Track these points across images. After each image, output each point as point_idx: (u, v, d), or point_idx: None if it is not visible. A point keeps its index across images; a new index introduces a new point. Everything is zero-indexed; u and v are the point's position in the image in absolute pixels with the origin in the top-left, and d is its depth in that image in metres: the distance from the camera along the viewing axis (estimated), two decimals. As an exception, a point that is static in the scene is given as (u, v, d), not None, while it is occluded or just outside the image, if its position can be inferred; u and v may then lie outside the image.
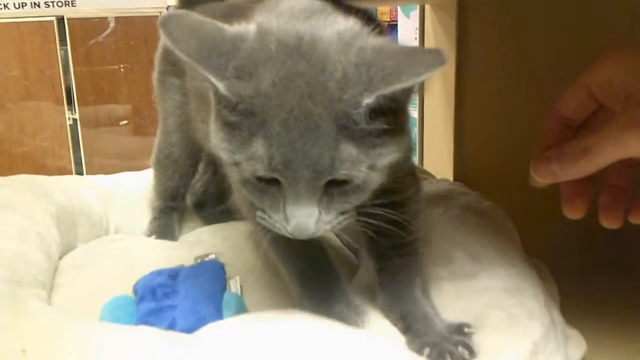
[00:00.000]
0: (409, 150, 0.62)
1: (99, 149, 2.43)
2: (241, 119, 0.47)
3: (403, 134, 0.51)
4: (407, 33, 2.13)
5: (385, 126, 0.48)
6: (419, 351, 0.54)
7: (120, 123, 2.37)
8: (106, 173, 0.99)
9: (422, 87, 1.57)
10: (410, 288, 0.62)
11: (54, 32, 2.44)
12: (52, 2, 2.54)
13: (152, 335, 0.51)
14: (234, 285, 0.70)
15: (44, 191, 0.81)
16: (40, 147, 2.42)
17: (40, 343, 0.49)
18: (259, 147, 0.47)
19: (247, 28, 0.50)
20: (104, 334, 0.51)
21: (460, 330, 0.57)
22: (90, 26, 2.44)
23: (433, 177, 0.96)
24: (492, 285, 0.64)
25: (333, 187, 0.49)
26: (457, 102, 1.03)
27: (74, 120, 2.47)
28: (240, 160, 0.48)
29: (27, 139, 2.41)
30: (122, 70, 2.42)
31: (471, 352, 0.54)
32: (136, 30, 2.48)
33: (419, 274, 0.63)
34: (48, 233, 0.75)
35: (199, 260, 0.75)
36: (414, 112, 1.98)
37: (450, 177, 1.03)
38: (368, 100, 0.46)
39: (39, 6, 2.53)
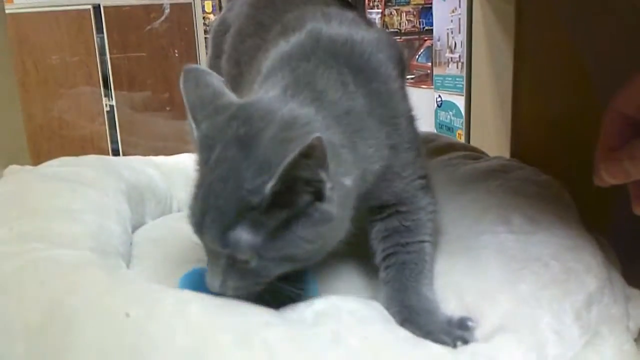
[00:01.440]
0: (414, 171, 0.65)
1: (136, 133, 2.48)
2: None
3: (324, 225, 0.52)
4: (442, 16, 2.13)
5: (287, 216, 0.50)
6: None
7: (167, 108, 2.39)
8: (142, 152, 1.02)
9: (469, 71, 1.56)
10: (414, 282, 0.62)
11: (91, 20, 2.48)
12: (88, -9, 2.57)
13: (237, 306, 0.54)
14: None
15: (114, 169, 0.84)
16: (79, 132, 2.47)
17: (141, 307, 0.51)
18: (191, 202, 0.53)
19: (235, 102, 0.56)
20: (198, 303, 0.53)
21: (462, 325, 0.57)
22: (125, 14, 2.48)
23: (485, 154, 0.97)
24: (551, 241, 0.66)
25: (235, 262, 0.52)
26: (515, 83, 1.04)
27: (111, 106, 2.51)
28: None
29: (66, 124, 2.46)
30: (176, 54, 2.44)
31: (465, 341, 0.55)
32: (188, 17, 2.51)
33: (425, 273, 0.63)
34: (122, 208, 0.77)
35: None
36: (459, 98, 1.97)
37: (504, 155, 1.03)
38: (268, 188, 0.48)
39: (76, -5, 2.56)
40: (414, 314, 0.58)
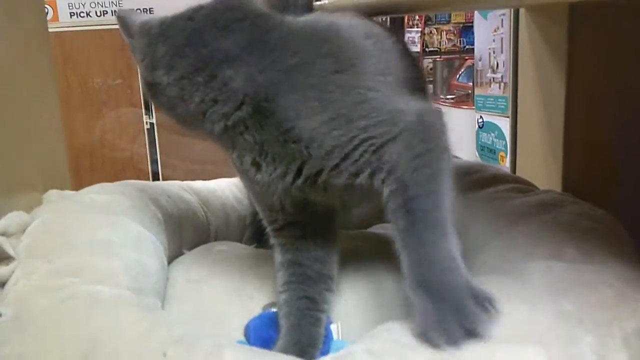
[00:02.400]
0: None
1: (176, 153, 2.49)
2: None
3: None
4: (484, 35, 2.09)
5: None
6: (420, 316, 0.49)
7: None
8: (182, 176, 1.03)
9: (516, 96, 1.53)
10: (432, 235, 0.52)
11: (133, 39, 2.52)
12: (132, 10, 2.61)
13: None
14: (335, 331, 0.70)
15: (151, 197, 0.83)
16: (119, 150, 2.50)
17: (178, 349, 0.50)
18: None
19: None
20: (232, 349, 0.52)
21: (488, 300, 0.50)
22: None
23: (535, 187, 0.93)
24: (605, 271, 0.61)
25: None
26: (567, 111, 1.00)
27: (151, 124, 2.54)
28: None
29: (107, 142, 2.50)
30: None
31: (475, 329, 0.48)
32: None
33: (444, 229, 0.53)
34: (158, 240, 0.76)
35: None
36: (502, 119, 1.93)
37: (554, 188, 0.99)
38: None
39: (119, 14, 2.60)
40: (427, 280, 0.50)
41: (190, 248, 0.87)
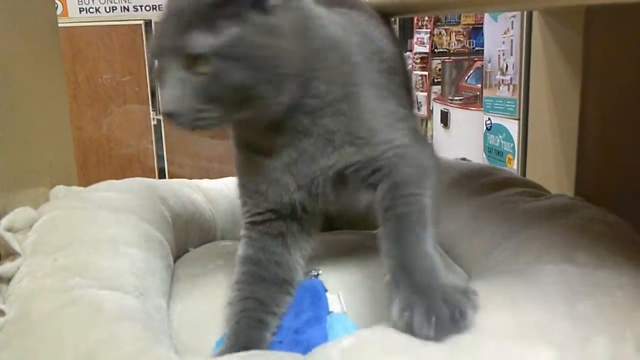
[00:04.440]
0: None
1: (182, 150, 2.49)
2: None
3: (268, 38, 0.57)
4: (494, 36, 2.08)
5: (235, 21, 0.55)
6: (404, 309, 0.50)
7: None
8: (188, 173, 1.02)
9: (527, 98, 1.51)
10: (413, 236, 0.56)
11: (142, 35, 2.52)
12: (141, 7, 2.62)
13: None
14: (336, 303, 0.68)
15: (160, 196, 0.83)
16: (126, 146, 2.50)
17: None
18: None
19: None
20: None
21: (465, 293, 0.51)
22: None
23: (546, 191, 0.92)
24: (617, 276, 0.61)
25: (194, 75, 0.55)
26: (582, 116, 0.98)
27: (158, 120, 2.54)
28: None
29: (114, 138, 2.50)
30: None
31: (463, 318, 0.49)
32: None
33: (424, 225, 0.58)
34: (165, 239, 0.76)
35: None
36: (510, 122, 1.92)
37: (566, 192, 0.98)
38: None
39: (128, 10, 2.62)
40: (410, 271, 0.53)
41: (196, 247, 0.87)
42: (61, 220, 0.71)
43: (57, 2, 2.45)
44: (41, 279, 0.60)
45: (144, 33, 2.52)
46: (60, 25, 1.04)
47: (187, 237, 0.86)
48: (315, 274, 0.73)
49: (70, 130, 1.03)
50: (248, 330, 0.62)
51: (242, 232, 0.70)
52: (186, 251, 0.85)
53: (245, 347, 0.57)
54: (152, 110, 2.54)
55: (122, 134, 2.50)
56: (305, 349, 0.56)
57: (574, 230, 0.72)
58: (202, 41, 0.54)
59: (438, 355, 0.48)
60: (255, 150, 0.65)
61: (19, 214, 0.70)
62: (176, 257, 0.81)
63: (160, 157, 2.51)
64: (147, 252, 0.68)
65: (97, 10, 2.59)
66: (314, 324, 0.63)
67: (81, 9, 2.58)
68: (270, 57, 0.56)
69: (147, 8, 2.59)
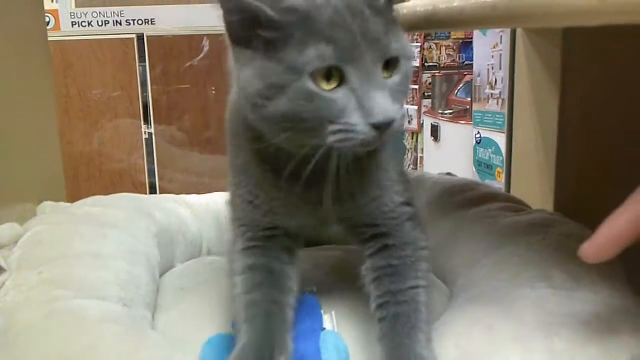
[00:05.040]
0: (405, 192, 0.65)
1: (173, 165, 2.50)
2: (289, 32, 0.50)
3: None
4: (483, 51, 2.10)
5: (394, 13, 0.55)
6: None
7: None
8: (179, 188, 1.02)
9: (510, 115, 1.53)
10: (408, 340, 0.56)
11: (134, 49, 2.53)
12: (134, 21, 2.64)
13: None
14: (329, 322, 0.68)
15: (146, 211, 0.84)
16: (117, 162, 2.50)
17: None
18: (318, 44, 0.49)
19: None
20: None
21: None
22: (168, 44, 2.53)
23: (527, 206, 0.93)
24: (593, 299, 0.62)
25: (387, 79, 0.52)
26: (560, 131, 1.00)
27: (150, 134, 2.55)
28: (298, 63, 0.49)
29: (105, 151, 2.50)
30: (213, 92, 2.47)
31: None
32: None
33: (420, 326, 0.58)
34: (151, 253, 0.77)
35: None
36: (499, 136, 1.94)
37: (547, 207, 0.99)
38: None
39: (120, 24, 2.63)
40: None
41: (183, 262, 0.88)
42: (46, 235, 0.72)
43: (49, 15, 2.46)
44: (26, 292, 0.61)
45: (136, 47, 2.53)
46: (52, 39, 1.05)
47: (174, 252, 0.86)
48: (311, 290, 0.74)
49: (60, 145, 1.03)
50: (278, 333, 0.58)
51: (240, 243, 0.66)
52: (172, 266, 0.86)
53: (275, 351, 0.55)
54: (144, 124, 2.54)
55: (113, 148, 2.50)
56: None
57: (551, 247, 0.73)
58: (395, 43, 0.52)
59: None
60: (277, 170, 0.60)
61: (5, 231, 0.71)
62: (162, 272, 0.82)
63: (151, 172, 2.51)
64: (132, 265, 0.69)
65: (89, 24, 2.60)
66: (309, 336, 0.63)
67: (73, 23, 2.59)
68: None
69: (140, 22, 2.60)
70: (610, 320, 0.59)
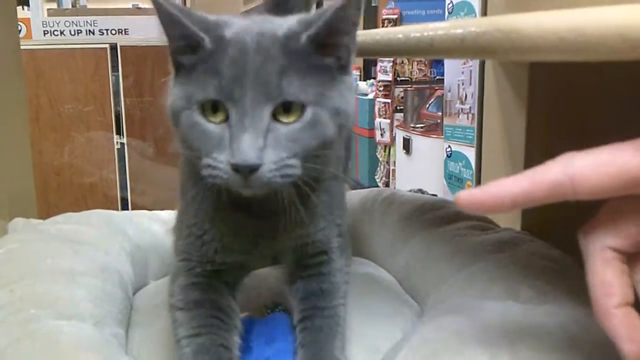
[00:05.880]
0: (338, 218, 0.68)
1: (145, 181, 2.48)
2: (200, 59, 0.51)
3: (349, 86, 0.55)
4: (454, 67, 2.14)
5: (328, 63, 0.53)
6: None
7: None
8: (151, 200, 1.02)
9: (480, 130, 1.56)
10: (329, 346, 0.62)
11: (107, 59, 2.52)
12: (106, 30, 2.62)
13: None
14: None
15: (119, 228, 0.84)
16: (88, 175, 2.47)
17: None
18: (208, 76, 0.50)
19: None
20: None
21: None
22: (142, 54, 2.52)
23: (495, 224, 0.96)
24: (558, 313, 0.63)
25: (281, 124, 0.50)
26: (527, 153, 1.03)
27: (122, 144, 2.53)
28: (193, 92, 0.51)
29: (76, 162, 2.47)
30: None
31: None
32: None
33: (339, 337, 0.64)
34: (124, 270, 0.77)
35: (268, 312, 0.74)
36: (469, 149, 1.97)
37: (514, 225, 1.02)
38: (308, 33, 0.51)
39: (93, 34, 2.61)
40: None
41: (157, 279, 0.88)
42: (17, 253, 0.71)
43: (21, 23, 2.43)
44: (-2, 312, 0.60)
45: (109, 57, 2.52)
46: (23, 47, 1.03)
47: (147, 268, 0.86)
48: (280, 308, 0.74)
49: (31, 160, 1.02)
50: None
51: (183, 278, 0.64)
52: (146, 283, 0.86)
53: None
54: (116, 134, 2.52)
55: (86, 161, 2.48)
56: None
57: (518, 264, 0.75)
58: (297, 87, 0.50)
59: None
60: (234, 204, 0.59)
61: (-24, 248, 0.70)
62: (136, 290, 0.82)
63: (123, 185, 2.49)
64: (105, 282, 0.69)
65: (61, 32, 2.58)
66: (285, 356, 0.64)
67: (45, 32, 2.57)
68: (350, 114, 0.55)
69: (113, 32, 2.59)
70: (573, 331, 0.60)
